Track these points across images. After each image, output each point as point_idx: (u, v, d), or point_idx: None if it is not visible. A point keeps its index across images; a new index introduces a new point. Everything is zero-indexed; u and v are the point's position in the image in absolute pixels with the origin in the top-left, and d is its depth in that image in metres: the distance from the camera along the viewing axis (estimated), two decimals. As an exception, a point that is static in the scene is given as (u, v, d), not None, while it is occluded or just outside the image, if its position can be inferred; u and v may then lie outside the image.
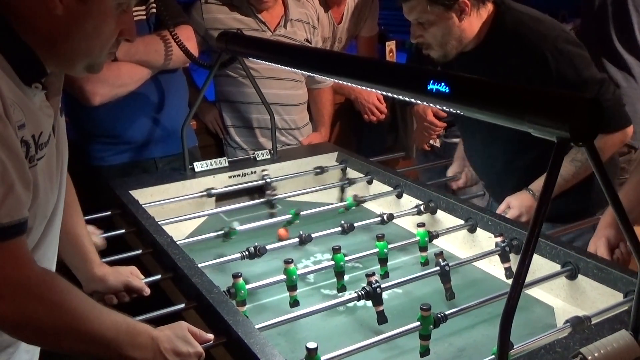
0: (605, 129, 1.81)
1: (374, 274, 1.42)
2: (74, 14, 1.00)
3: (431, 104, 1.32)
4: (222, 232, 1.76)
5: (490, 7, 1.85)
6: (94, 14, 1.02)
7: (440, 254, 1.55)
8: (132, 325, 1.11)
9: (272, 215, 1.97)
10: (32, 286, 0.98)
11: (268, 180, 2.15)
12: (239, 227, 1.79)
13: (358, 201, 2.00)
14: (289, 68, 1.84)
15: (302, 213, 1.85)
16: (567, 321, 1.26)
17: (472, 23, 1.83)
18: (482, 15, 1.84)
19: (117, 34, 1.08)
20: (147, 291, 1.50)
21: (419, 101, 1.36)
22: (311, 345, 1.15)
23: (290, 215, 1.86)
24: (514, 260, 1.63)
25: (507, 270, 1.64)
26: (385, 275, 1.62)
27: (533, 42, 1.79)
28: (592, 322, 1.26)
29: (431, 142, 2.74)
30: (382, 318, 1.40)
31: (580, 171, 1.84)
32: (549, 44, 1.78)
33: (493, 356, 1.16)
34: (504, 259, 1.63)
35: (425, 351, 1.29)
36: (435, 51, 1.87)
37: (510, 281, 1.65)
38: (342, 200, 2.15)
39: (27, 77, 1.02)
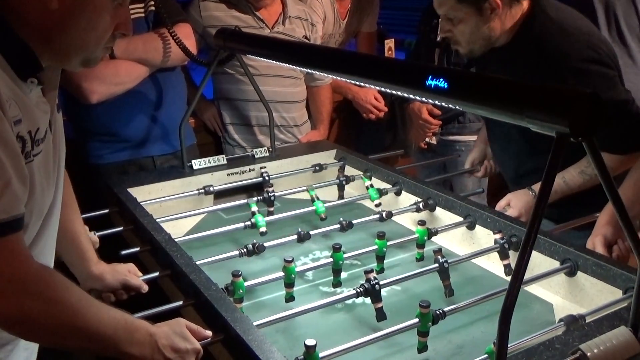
0: (624, 150, 1.78)
1: (372, 270, 1.42)
2: (69, 7, 1.00)
3: (429, 100, 1.31)
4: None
5: (525, 5, 1.79)
6: (90, 8, 1.02)
7: (439, 251, 1.55)
8: (130, 321, 1.11)
9: (270, 213, 1.97)
10: (30, 282, 0.98)
11: (267, 177, 2.14)
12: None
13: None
14: (287, 65, 1.84)
15: (269, 218, 1.84)
16: (561, 320, 1.26)
17: (503, 22, 1.78)
18: (515, 15, 1.78)
19: (112, 28, 1.07)
20: (145, 288, 1.49)
21: (417, 97, 1.36)
22: (310, 342, 1.14)
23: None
24: (513, 257, 1.63)
25: (507, 267, 1.63)
26: (380, 271, 1.62)
27: (554, 58, 1.74)
28: (592, 319, 1.26)
29: (427, 139, 2.74)
30: (381, 315, 1.40)
31: (587, 184, 1.81)
32: (571, 62, 1.72)
33: (486, 355, 1.16)
34: (503, 255, 1.63)
35: (423, 347, 1.29)
36: (462, 47, 1.85)
37: (509, 278, 1.65)
38: (342, 197, 2.14)
39: (23, 71, 1.01)
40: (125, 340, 1.08)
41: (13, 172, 0.96)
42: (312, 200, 1.96)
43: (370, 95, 2.99)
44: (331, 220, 1.82)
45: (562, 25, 1.81)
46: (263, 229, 1.77)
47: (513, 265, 1.63)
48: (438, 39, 2.67)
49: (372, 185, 2.06)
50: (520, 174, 2.02)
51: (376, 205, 2.00)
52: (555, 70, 1.73)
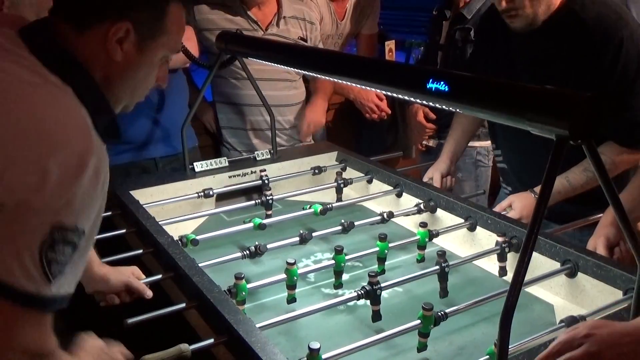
0: (630, 144, 1.79)
1: (376, 275, 1.41)
2: (131, 61, 1.09)
3: (430, 103, 1.32)
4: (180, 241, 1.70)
5: None
6: (146, 63, 1.13)
7: (442, 255, 1.54)
8: None
9: (268, 216, 1.97)
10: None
11: (266, 180, 2.15)
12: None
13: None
14: (285, 68, 1.84)
15: (268, 220, 1.85)
16: (562, 321, 1.26)
17: None
18: None
19: (155, 80, 1.19)
20: (149, 294, 1.49)
21: (418, 100, 1.36)
22: (314, 345, 1.15)
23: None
24: (513, 259, 1.64)
25: (502, 269, 1.65)
26: (381, 273, 1.63)
27: (614, 24, 1.72)
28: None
29: (424, 142, 2.74)
30: (376, 317, 1.42)
31: (590, 182, 1.80)
32: (628, 31, 1.72)
33: (487, 356, 1.16)
34: (501, 258, 1.64)
35: (422, 347, 1.30)
36: (522, 18, 1.78)
37: (507, 279, 1.66)
38: (340, 200, 2.15)
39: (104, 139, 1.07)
40: None
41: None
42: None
43: (372, 94, 2.97)
44: (333, 222, 1.83)
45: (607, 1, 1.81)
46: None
47: (508, 268, 1.64)
48: (442, 41, 2.68)
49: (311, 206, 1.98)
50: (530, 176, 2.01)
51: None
52: (613, 35, 1.71)
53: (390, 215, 1.88)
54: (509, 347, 1.02)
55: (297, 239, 1.71)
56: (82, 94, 1.01)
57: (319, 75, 2.51)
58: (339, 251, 1.56)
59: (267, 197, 2.01)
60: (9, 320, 0.94)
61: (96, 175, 0.99)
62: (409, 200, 2.03)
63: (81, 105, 0.99)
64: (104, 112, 1.09)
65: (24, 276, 0.93)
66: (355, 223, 1.80)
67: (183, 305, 1.39)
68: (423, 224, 1.72)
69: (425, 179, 2.17)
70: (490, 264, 1.71)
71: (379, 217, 1.87)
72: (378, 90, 2.90)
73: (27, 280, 0.93)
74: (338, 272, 1.58)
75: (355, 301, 1.42)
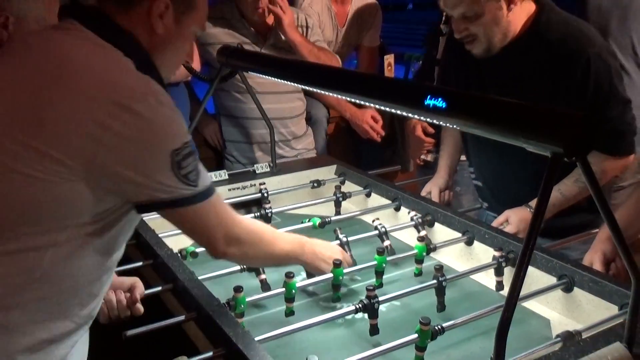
0: (614, 153, 1.83)
1: (374, 288, 1.43)
2: (170, 33, 1.22)
3: (427, 119, 1.34)
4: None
5: (532, 5, 1.83)
6: (181, 35, 1.26)
7: (440, 269, 1.55)
8: (297, 240, 1.57)
9: None
10: (241, 235, 1.35)
11: (265, 194, 2.16)
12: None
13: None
14: (287, 82, 1.86)
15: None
16: (557, 335, 1.27)
17: (518, 16, 1.80)
18: (529, 10, 1.81)
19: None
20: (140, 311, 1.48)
21: (416, 116, 1.38)
22: (312, 358, 1.15)
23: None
24: (510, 274, 1.65)
25: (499, 283, 1.66)
26: (379, 286, 1.64)
27: (580, 43, 1.76)
28: (588, 335, 1.27)
29: (422, 157, 2.76)
30: (374, 330, 1.43)
31: (582, 192, 1.83)
32: (595, 49, 1.76)
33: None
34: (498, 272, 1.65)
35: (419, 360, 1.30)
36: (479, 45, 1.83)
37: (504, 293, 1.66)
38: (338, 213, 2.16)
39: None
40: (299, 253, 1.55)
41: None
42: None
43: (368, 115, 2.99)
44: (331, 235, 1.84)
45: (576, 19, 1.85)
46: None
47: (505, 283, 1.65)
48: (438, 56, 2.70)
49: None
50: (510, 192, 2.03)
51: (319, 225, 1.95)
52: (580, 55, 1.74)
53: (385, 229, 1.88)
54: (505, 361, 1.03)
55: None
56: (132, 56, 1.13)
57: (318, 90, 2.55)
58: (337, 265, 1.57)
59: (267, 210, 2.02)
60: (195, 217, 1.21)
61: (168, 98, 1.12)
62: (407, 214, 2.04)
63: (131, 62, 1.13)
64: (152, 71, 1.18)
65: (176, 193, 1.14)
66: (354, 237, 1.81)
67: (182, 317, 1.39)
68: (421, 238, 1.74)
69: (423, 194, 2.19)
70: (488, 279, 1.72)
71: (377, 231, 1.87)
72: (374, 111, 2.93)
73: (181, 192, 1.14)
74: (336, 285, 1.59)
75: (353, 315, 1.43)
